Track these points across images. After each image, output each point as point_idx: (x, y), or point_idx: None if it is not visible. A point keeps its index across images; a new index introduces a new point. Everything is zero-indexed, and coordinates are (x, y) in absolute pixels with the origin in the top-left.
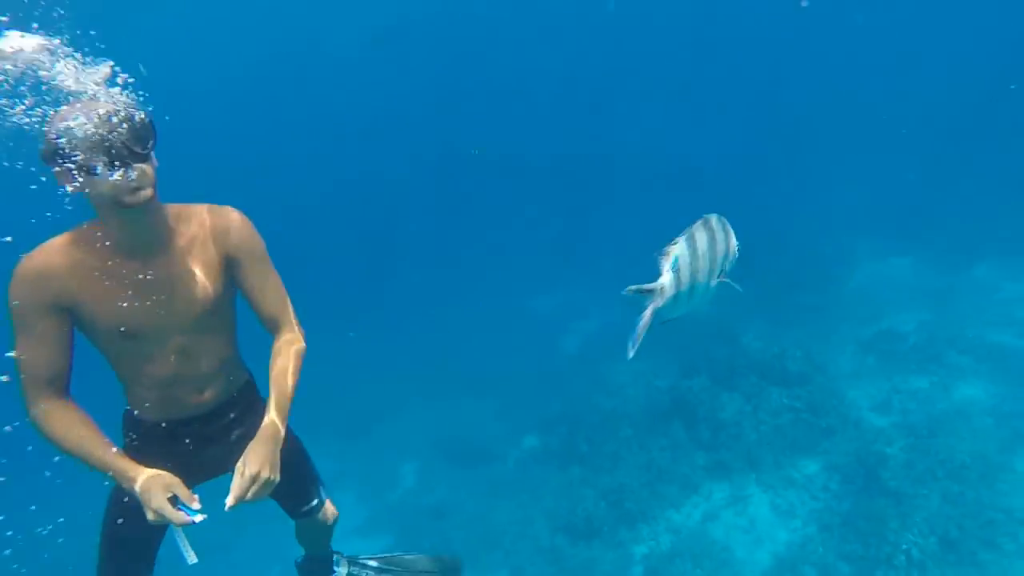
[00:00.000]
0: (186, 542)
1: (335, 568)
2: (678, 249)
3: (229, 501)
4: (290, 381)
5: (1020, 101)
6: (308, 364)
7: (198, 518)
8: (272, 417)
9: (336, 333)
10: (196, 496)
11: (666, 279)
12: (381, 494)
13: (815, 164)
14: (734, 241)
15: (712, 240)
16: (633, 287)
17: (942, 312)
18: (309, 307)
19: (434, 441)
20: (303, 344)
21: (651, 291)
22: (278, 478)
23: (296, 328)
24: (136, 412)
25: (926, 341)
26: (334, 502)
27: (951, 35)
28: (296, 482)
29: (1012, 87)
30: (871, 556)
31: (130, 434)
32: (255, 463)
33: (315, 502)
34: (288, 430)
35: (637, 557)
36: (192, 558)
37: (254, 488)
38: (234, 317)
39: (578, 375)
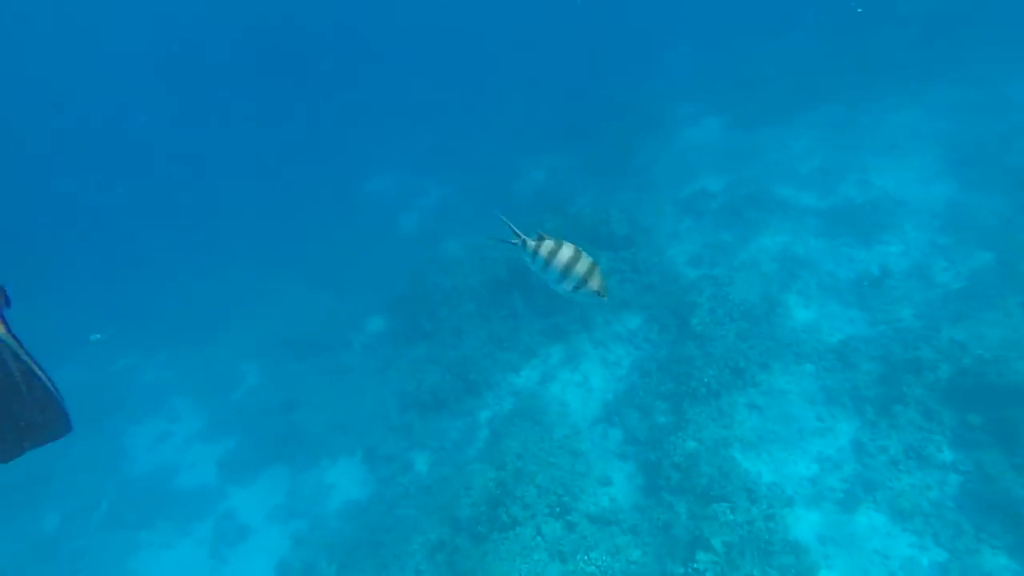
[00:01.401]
0: None
1: None
2: (550, 242)
3: None
4: None
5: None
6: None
7: None
8: None
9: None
10: None
11: (530, 243)
12: (223, 395)
13: (642, 33)
14: (597, 283)
15: (574, 261)
16: (510, 226)
17: (743, 171)
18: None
19: (276, 336)
20: None
21: (518, 238)
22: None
23: None
24: None
25: (730, 199)
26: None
27: None
28: None
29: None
30: (681, 392)
31: None
32: None
33: None
34: None
35: (482, 421)
36: None
37: None
38: None
39: (417, 254)
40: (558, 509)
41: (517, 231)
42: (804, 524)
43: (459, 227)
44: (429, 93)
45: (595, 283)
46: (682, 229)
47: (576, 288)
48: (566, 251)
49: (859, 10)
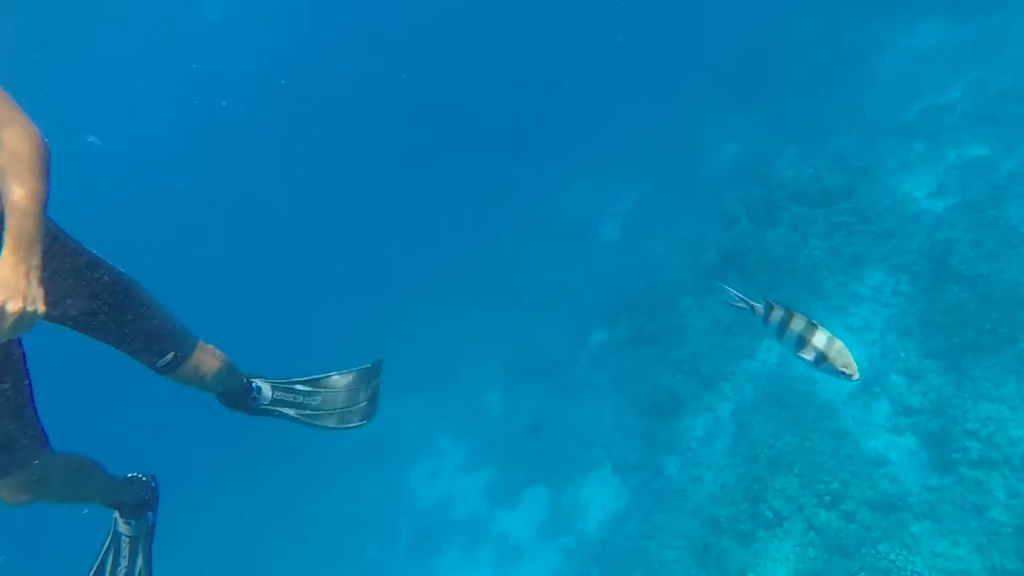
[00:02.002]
0: None
1: (255, 394)
2: (779, 311)
3: None
4: (24, 206)
5: None
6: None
7: None
8: (8, 258)
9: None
10: None
11: (758, 308)
12: (474, 429)
13: None
14: (840, 360)
15: (808, 334)
16: (735, 293)
17: (989, 65)
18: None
19: (508, 365)
20: (29, 141)
21: (746, 305)
22: (42, 309)
23: (16, 125)
24: None
25: (976, 104)
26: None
27: None
28: (133, 334)
29: None
30: (956, 346)
31: None
32: None
33: (170, 355)
34: (111, 275)
35: (725, 416)
36: None
37: (3, 324)
38: None
39: (625, 260)
40: (828, 498)
41: (744, 298)
42: None
43: (660, 224)
44: (596, 86)
45: (838, 360)
46: (913, 158)
47: (816, 364)
48: (797, 322)
49: None
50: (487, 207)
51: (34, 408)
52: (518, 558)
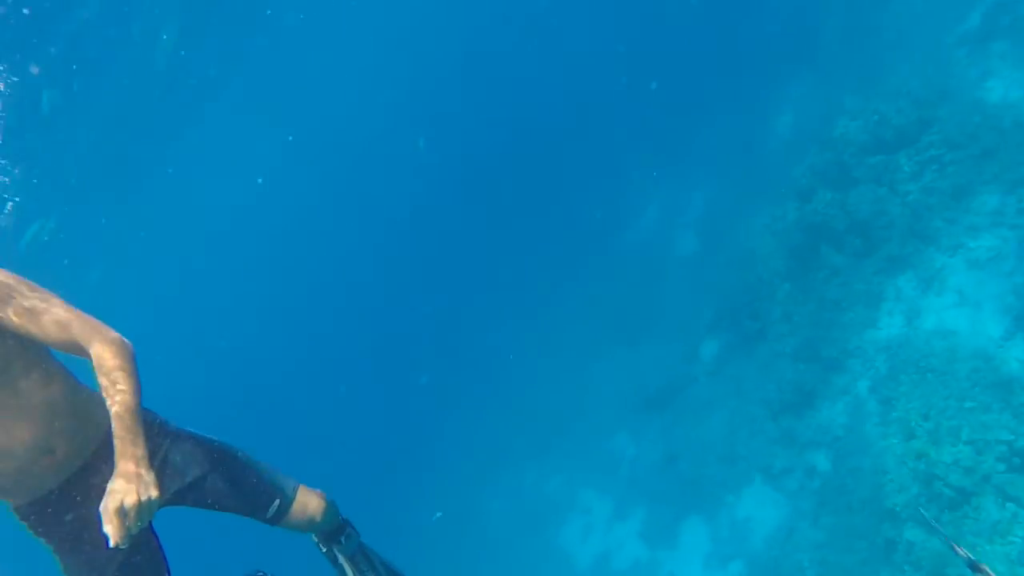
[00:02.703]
0: None
1: (342, 537)
2: None
3: (113, 541)
4: (120, 410)
5: None
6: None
7: None
8: (119, 458)
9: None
10: None
11: (961, 553)
12: (613, 476)
13: None
14: None
15: None
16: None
17: None
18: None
19: (627, 402)
20: (112, 350)
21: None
22: (155, 493)
23: (100, 341)
24: (13, 506)
25: None
26: (324, 493)
27: None
28: (239, 493)
29: None
30: None
31: (31, 528)
32: (115, 499)
33: (276, 503)
34: (207, 445)
35: (863, 394)
36: None
37: (128, 521)
38: (42, 362)
39: (709, 265)
40: (1017, 460)
41: (953, 544)
42: None
43: (736, 220)
44: (626, 107)
45: None
46: (996, 62)
47: None
48: None
49: None
50: (562, 254)
51: None
52: None
